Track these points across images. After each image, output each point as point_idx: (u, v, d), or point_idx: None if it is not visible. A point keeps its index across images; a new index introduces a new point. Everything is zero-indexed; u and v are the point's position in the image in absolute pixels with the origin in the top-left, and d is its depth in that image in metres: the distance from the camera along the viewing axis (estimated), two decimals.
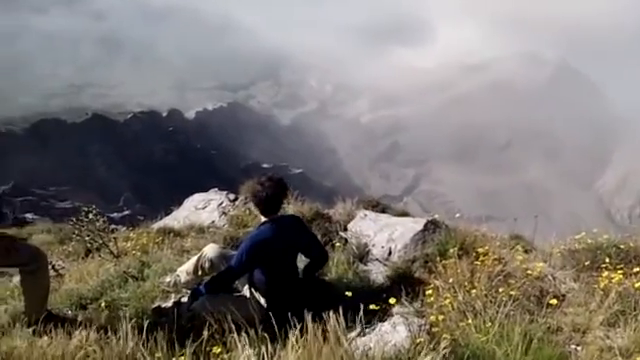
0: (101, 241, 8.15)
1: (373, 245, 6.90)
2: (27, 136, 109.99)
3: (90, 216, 8.02)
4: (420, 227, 6.65)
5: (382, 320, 5.05)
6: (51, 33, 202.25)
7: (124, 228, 12.18)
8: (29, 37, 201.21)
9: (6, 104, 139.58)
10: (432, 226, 6.66)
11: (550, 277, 5.63)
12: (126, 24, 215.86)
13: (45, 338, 4.98)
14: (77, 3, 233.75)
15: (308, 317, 4.47)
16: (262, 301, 5.52)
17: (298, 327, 4.38)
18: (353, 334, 4.70)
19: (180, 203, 12.23)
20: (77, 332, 4.92)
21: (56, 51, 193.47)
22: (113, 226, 10.55)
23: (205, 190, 12.35)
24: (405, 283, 5.68)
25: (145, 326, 4.73)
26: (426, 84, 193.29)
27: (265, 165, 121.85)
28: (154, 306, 5.98)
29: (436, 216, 7.03)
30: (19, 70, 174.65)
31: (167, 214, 11.90)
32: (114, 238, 8.43)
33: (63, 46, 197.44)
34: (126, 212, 78.98)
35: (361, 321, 4.71)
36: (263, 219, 5.58)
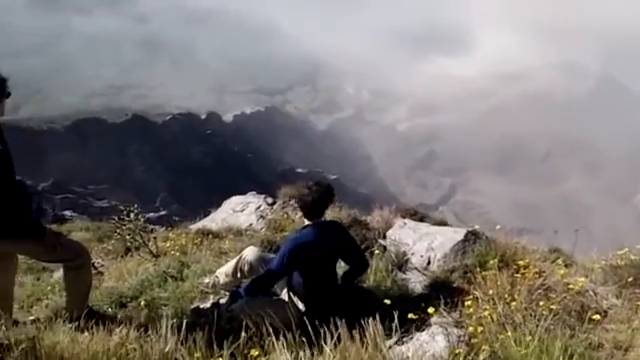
0: (141, 240, 8.25)
1: (412, 254, 6.87)
2: (68, 134, 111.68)
3: (131, 215, 8.13)
4: (460, 237, 6.60)
5: (420, 329, 5.02)
6: (94, 34, 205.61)
7: (162, 228, 12.30)
8: (72, 38, 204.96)
9: (49, 103, 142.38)
10: (472, 237, 6.61)
11: (591, 292, 5.54)
12: (168, 27, 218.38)
13: (86, 334, 5.04)
14: (120, 5, 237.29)
15: (346, 323, 4.49)
16: (300, 305, 5.54)
17: (336, 333, 4.39)
18: (391, 342, 4.69)
19: (218, 205, 12.32)
20: (117, 330, 4.98)
21: (98, 52, 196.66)
22: (151, 226, 10.69)
23: (240, 193, 12.42)
24: (444, 293, 5.64)
25: (184, 326, 4.78)
26: (465, 93, 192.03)
27: (300, 170, 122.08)
28: (193, 306, 6.05)
29: (476, 227, 6.98)
30: (62, 70, 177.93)
31: (205, 216, 11.99)
32: (154, 238, 8.52)
33: (105, 47, 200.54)
34: (162, 212, 79.46)
35: (399, 329, 4.70)
36: (306, 222, 5.63)
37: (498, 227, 7.18)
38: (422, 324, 5.08)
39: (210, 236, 9.41)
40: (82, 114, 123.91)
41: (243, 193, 12.34)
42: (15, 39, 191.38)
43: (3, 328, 5.17)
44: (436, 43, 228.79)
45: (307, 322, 4.85)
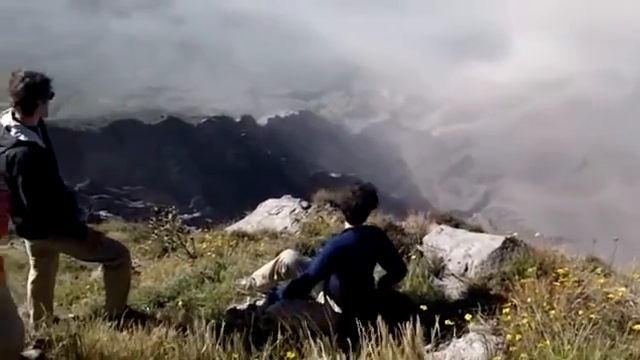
0: (179, 241, 8.33)
1: (449, 260, 6.84)
2: (105, 136, 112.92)
3: (169, 216, 8.22)
4: (498, 244, 6.55)
5: (457, 336, 5.00)
6: (132, 36, 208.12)
7: (198, 230, 12.38)
8: (111, 40, 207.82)
9: (86, 104, 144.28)
10: (510, 244, 6.55)
11: (631, 302, 5.46)
12: (205, 29, 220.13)
13: (125, 333, 5.12)
14: (158, 7, 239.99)
15: (383, 327, 4.49)
16: (336, 309, 5.55)
17: (373, 336, 4.40)
18: (428, 347, 4.68)
19: (253, 208, 12.39)
20: (156, 329, 5.04)
21: (136, 54, 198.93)
22: (186, 227, 10.78)
23: (273, 196, 12.49)
24: (481, 300, 5.60)
25: (222, 327, 4.82)
26: (502, 99, 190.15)
27: (333, 174, 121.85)
28: (229, 307, 6.09)
29: (515, 234, 6.92)
30: (100, 71, 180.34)
31: (240, 218, 12.06)
32: (191, 239, 8.59)
33: (142, 49, 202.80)
34: (196, 214, 79.74)
35: (436, 335, 4.68)
36: (347, 226, 5.62)
37: (537, 235, 7.10)
38: (459, 330, 5.05)
39: (245, 238, 9.46)
40: (119, 116, 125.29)
41: (276, 196, 12.41)
42: (55, 41, 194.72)
43: (44, 325, 5.29)
44: (473, 48, 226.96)
45: (344, 325, 4.87)
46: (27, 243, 5.68)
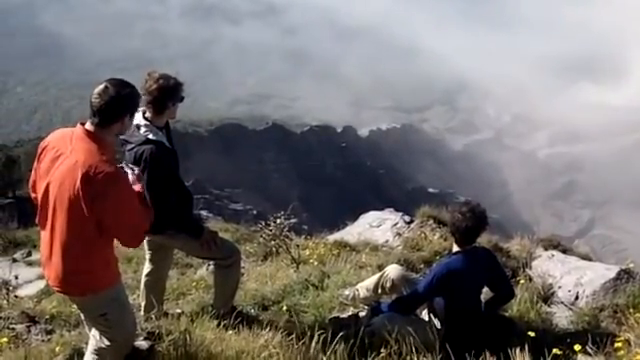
0: (284, 246, 8.43)
1: (559, 287, 6.62)
2: (210, 138, 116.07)
3: (277, 221, 8.32)
4: (612, 275, 6.30)
5: None
6: (242, 44, 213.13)
7: (296, 237, 12.49)
8: (222, 46, 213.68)
9: (195, 107, 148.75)
10: (625, 275, 6.30)
11: None
12: (315, 41, 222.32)
13: (230, 332, 5.22)
14: (270, 17, 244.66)
15: (488, 352, 4.41)
16: (439, 327, 5.47)
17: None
18: None
19: (349, 217, 12.40)
20: (263, 332, 5.11)
21: (245, 61, 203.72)
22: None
23: (368, 207, 12.50)
24: (591, 331, 5.42)
25: (327, 337, 4.83)
26: (614, 123, 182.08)
27: (431, 190, 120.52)
28: (331, 316, 6.09)
29: (631, 265, 6.65)
30: (210, 76, 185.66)
31: (342, 227, 12.07)
32: (297, 245, 8.68)
33: (252, 57, 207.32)
34: (292, 220, 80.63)
35: None
36: (455, 248, 5.54)
37: None
38: None
39: (347, 248, 9.46)
40: (225, 120, 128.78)
41: (372, 208, 12.40)
42: (169, 45, 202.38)
43: (154, 317, 5.47)
44: (587, 70, 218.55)
45: (447, 346, 4.81)
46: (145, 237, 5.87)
